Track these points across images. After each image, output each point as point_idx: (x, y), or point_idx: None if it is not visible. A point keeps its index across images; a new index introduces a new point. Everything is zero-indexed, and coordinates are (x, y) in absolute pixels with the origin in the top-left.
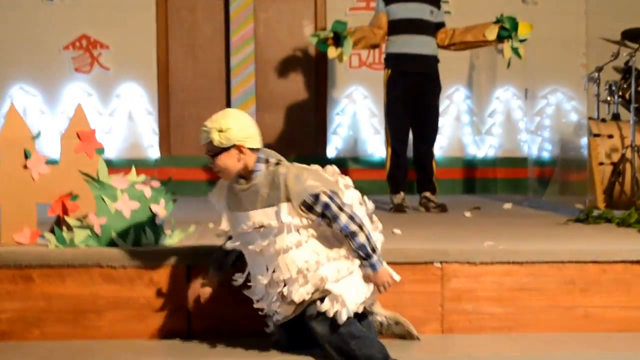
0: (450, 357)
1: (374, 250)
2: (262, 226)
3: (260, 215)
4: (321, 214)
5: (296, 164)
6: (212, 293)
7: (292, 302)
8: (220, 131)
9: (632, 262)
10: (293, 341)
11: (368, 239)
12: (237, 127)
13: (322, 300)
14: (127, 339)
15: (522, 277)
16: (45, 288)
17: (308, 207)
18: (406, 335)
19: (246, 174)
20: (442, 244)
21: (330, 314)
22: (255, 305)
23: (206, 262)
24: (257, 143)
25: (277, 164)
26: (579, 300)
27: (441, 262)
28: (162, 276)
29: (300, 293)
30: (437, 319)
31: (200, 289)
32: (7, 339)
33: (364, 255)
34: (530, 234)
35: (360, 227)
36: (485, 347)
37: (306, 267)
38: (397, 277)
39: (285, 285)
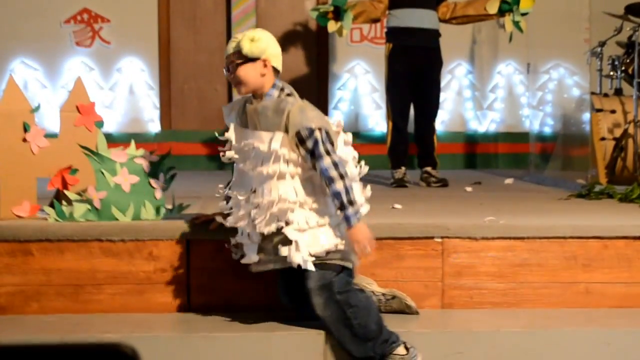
0: (449, 332)
1: (350, 202)
2: (253, 147)
3: (257, 137)
4: (310, 150)
5: (307, 101)
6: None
7: (259, 234)
8: (252, 40)
9: (635, 237)
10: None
11: (347, 190)
12: (269, 42)
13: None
14: (126, 313)
15: (523, 253)
16: (45, 262)
17: (300, 140)
18: (405, 309)
19: (259, 95)
20: (443, 218)
21: (293, 261)
22: (236, 240)
23: (206, 236)
24: (280, 65)
25: (289, 95)
26: (580, 276)
27: (442, 237)
28: (161, 250)
29: (263, 223)
30: (437, 294)
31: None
32: (6, 313)
33: (339, 204)
34: (532, 209)
35: (342, 176)
36: (485, 323)
37: (279, 200)
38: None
39: (256, 208)
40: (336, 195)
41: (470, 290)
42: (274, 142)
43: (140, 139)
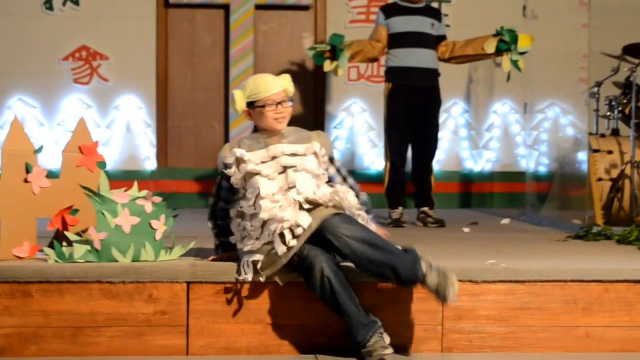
0: None
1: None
2: (293, 154)
3: (295, 147)
4: (336, 168)
5: None
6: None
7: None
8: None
9: (635, 281)
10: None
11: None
12: None
13: None
14: (125, 356)
15: (524, 296)
16: (44, 303)
17: (330, 159)
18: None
19: (277, 131)
20: (444, 261)
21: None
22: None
23: (206, 279)
24: None
25: None
26: (581, 319)
27: None
28: (161, 292)
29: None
30: (436, 338)
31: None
32: (4, 355)
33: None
34: (531, 251)
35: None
36: None
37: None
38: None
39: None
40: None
41: (470, 334)
42: (316, 147)
43: (137, 176)
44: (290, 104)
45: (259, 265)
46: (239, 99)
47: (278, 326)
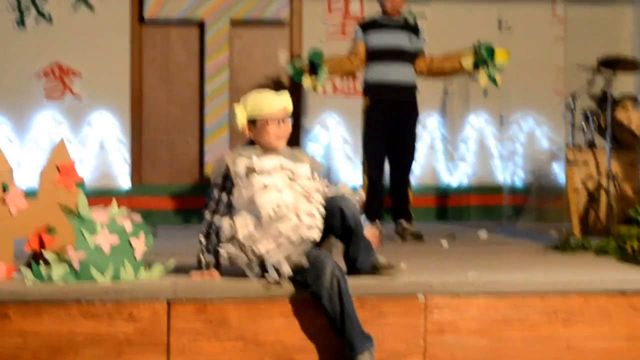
0: None
1: None
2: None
3: (292, 164)
4: (327, 185)
5: None
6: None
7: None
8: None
9: (615, 292)
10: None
11: None
12: None
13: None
14: None
15: (505, 309)
16: (22, 325)
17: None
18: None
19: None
20: (426, 275)
21: None
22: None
23: (186, 298)
24: None
25: None
26: (561, 331)
27: (424, 294)
28: (142, 311)
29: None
30: (418, 352)
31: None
32: None
33: None
34: (511, 263)
35: None
36: None
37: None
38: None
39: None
40: None
41: (452, 347)
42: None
43: (110, 194)
44: (290, 121)
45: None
46: (240, 115)
47: (259, 343)
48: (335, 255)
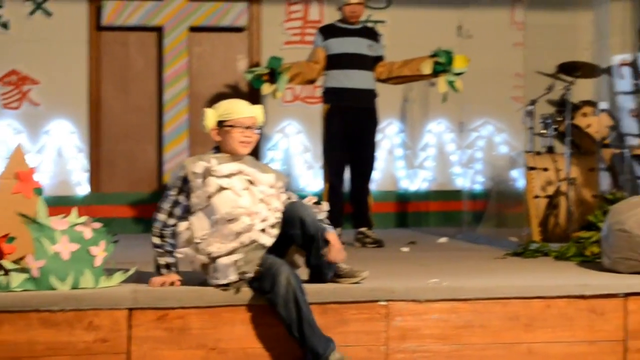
0: None
1: None
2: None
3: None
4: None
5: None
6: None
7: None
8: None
9: (576, 296)
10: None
11: None
12: None
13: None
14: None
15: (467, 314)
16: None
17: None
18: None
19: (239, 155)
20: (387, 281)
21: None
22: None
23: (147, 306)
24: None
25: None
26: (523, 336)
27: (387, 301)
28: (102, 320)
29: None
30: (381, 359)
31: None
32: None
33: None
34: (473, 269)
35: None
36: None
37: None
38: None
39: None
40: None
41: (414, 353)
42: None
43: (69, 202)
44: (257, 132)
45: (239, 264)
46: (210, 116)
47: (221, 351)
48: (299, 263)
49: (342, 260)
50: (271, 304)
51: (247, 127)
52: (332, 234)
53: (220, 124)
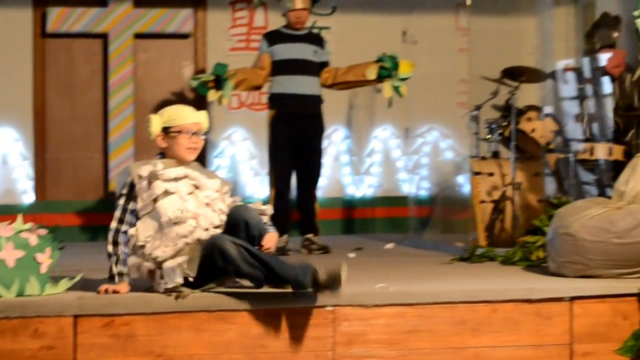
0: None
1: None
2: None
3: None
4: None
5: None
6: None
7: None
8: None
9: (522, 300)
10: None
11: None
12: None
13: None
14: None
15: (413, 319)
16: None
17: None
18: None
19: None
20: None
21: None
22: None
23: (93, 313)
24: None
25: None
26: (469, 340)
27: (333, 306)
28: (48, 327)
29: None
30: None
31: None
32: None
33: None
34: (419, 274)
35: None
36: None
37: None
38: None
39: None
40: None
41: (361, 358)
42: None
43: (14, 210)
44: (202, 138)
45: (184, 266)
46: (156, 123)
47: (168, 357)
48: None
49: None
50: (236, 274)
51: (193, 133)
52: (272, 234)
53: (166, 130)
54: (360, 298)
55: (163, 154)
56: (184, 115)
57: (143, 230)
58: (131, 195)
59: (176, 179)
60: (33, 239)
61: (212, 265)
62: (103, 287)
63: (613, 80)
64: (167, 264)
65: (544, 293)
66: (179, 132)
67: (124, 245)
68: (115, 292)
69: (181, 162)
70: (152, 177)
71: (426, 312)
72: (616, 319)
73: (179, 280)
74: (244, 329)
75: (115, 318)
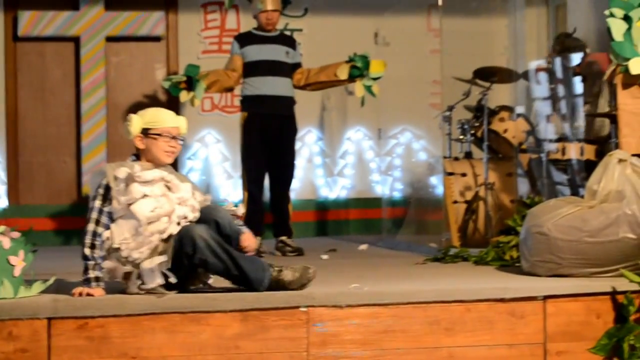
0: None
1: None
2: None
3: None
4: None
5: None
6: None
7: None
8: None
9: (495, 300)
10: None
11: None
12: None
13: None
14: None
15: (387, 319)
16: None
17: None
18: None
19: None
20: (308, 288)
21: None
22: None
23: (68, 314)
24: None
25: None
26: (443, 340)
27: (307, 307)
28: (21, 330)
29: None
30: None
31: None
32: None
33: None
34: (393, 274)
35: None
36: None
37: None
38: None
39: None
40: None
41: (336, 359)
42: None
43: None
44: (181, 142)
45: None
46: (136, 123)
47: (142, 359)
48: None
49: (255, 247)
50: (203, 264)
51: (172, 137)
52: (248, 234)
53: (146, 131)
54: (334, 298)
55: (137, 156)
56: (164, 119)
57: (118, 233)
58: (107, 197)
59: (152, 182)
60: (6, 242)
61: (183, 255)
62: (77, 289)
63: (584, 80)
64: (145, 265)
65: (518, 292)
66: (159, 134)
67: (100, 248)
68: (89, 295)
69: (157, 164)
70: (129, 180)
71: (400, 312)
72: (590, 317)
73: (159, 281)
74: (218, 330)
75: (89, 320)
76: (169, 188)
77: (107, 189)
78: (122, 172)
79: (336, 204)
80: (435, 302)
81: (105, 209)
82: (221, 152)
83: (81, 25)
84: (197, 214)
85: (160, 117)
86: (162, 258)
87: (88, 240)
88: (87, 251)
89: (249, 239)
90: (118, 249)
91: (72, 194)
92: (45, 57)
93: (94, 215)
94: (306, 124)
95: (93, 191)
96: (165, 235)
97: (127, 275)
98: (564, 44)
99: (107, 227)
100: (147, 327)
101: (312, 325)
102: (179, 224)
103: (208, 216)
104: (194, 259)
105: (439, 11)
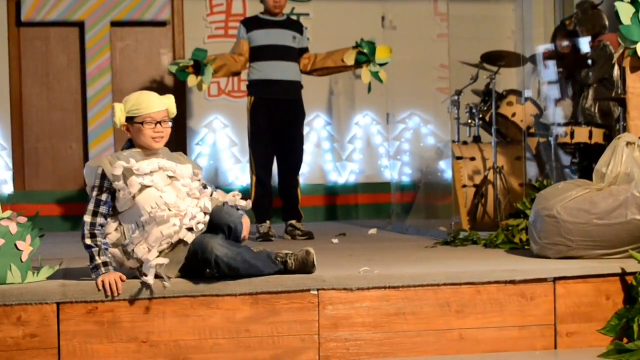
0: None
1: None
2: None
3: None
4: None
5: None
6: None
7: None
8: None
9: (506, 282)
10: None
11: None
12: None
13: None
14: None
15: (398, 302)
16: None
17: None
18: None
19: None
20: (319, 271)
21: None
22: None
23: (76, 300)
24: None
25: None
26: (454, 322)
27: (318, 290)
28: (31, 315)
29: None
30: (313, 348)
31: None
32: None
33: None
34: (403, 258)
35: None
36: None
37: None
38: None
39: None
40: None
41: (347, 342)
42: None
43: None
44: (170, 124)
45: (163, 267)
46: (119, 113)
47: (153, 344)
48: None
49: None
50: (221, 274)
51: (158, 123)
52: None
53: (130, 120)
54: (345, 281)
55: (132, 141)
56: (147, 105)
57: (127, 229)
58: (104, 187)
59: (152, 173)
60: (13, 227)
61: (200, 265)
62: (99, 282)
63: (594, 63)
64: (147, 263)
65: (528, 274)
66: (142, 123)
67: (101, 236)
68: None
69: (149, 150)
70: (127, 174)
71: (411, 295)
72: (599, 299)
73: (151, 281)
74: (229, 314)
75: (99, 305)
76: (171, 177)
77: (104, 178)
78: (119, 168)
79: (345, 189)
80: (446, 284)
81: (103, 199)
82: (229, 137)
83: (86, 10)
84: (207, 218)
85: (142, 104)
86: (164, 260)
87: (87, 231)
88: (88, 241)
89: (247, 229)
90: (126, 246)
91: (79, 180)
92: (50, 42)
93: (91, 206)
94: (314, 109)
95: (90, 183)
96: (174, 240)
97: (132, 270)
98: (586, 13)
99: (106, 217)
100: (158, 312)
101: (322, 308)
102: (191, 229)
103: (220, 221)
104: (210, 269)
105: None
